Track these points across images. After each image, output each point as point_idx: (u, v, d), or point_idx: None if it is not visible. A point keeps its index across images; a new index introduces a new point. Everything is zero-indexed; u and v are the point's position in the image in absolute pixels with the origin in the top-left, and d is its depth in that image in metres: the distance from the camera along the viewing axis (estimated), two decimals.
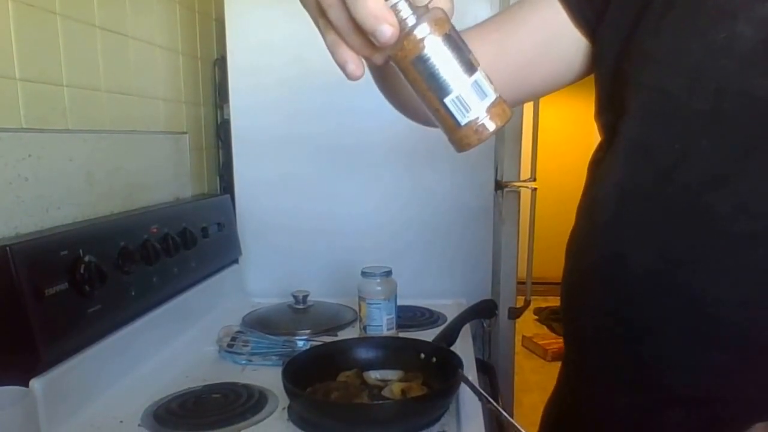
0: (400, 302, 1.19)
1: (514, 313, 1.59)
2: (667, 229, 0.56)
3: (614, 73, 0.62)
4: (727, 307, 0.54)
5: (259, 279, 1.52)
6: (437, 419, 0.84)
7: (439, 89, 0.41)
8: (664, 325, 0.57)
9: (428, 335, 1.10)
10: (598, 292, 0.63)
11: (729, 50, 0.53)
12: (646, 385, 0.59)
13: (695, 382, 0.56)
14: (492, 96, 0.42)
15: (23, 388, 0.76)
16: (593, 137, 0.70)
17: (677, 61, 0.55)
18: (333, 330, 1.23)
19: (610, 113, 0.64)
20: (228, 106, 1.48)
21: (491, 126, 0.41)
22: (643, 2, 0.58)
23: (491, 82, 0.42)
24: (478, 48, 0.62)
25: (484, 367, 1.25)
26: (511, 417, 0.76)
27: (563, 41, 0.65)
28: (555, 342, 3.61)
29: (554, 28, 0.65)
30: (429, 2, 0.40)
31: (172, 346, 1.13)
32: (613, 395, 0.63)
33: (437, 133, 0.45)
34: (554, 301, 4.39)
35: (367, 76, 0.47)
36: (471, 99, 0.41)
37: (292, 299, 1.33)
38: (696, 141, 0.55)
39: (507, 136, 1.50)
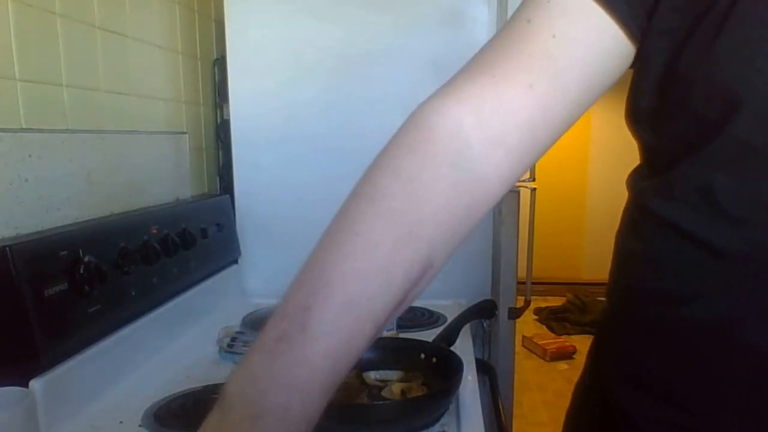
0: None
1: (514, 313, 1.59)
2: (728, 291, 0.49)
3: (660, 90, 0.51)
4: None
5: (258, 279, 1.52)
6: (437, 419, 0.84)
7: None
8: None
9: (428, 335, 1.10)
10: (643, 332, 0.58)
11: None
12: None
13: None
14: None
15: (23, 389, 0.76)
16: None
17: (743, 88, 0.44)
18: None
19: (650, 134, 0.55)
20: (228, 106, 1.48)
21: None
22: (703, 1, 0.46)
23: None
24: (526, 101, 0.50)
25: (484, 367, 1.25)
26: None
27: (613, 61, 0.53)
28: (554, 342, 3.62)
29: (605, 51, 0.52)
30: None
31: (172, 347, 1.13)
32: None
33: None
34: (554, 301, 4.41)
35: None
36: None
37: None
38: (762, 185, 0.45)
39: None
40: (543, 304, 4.29)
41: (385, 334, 1.14)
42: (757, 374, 0.50)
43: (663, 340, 0.56)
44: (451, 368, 0.89)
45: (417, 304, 1.38)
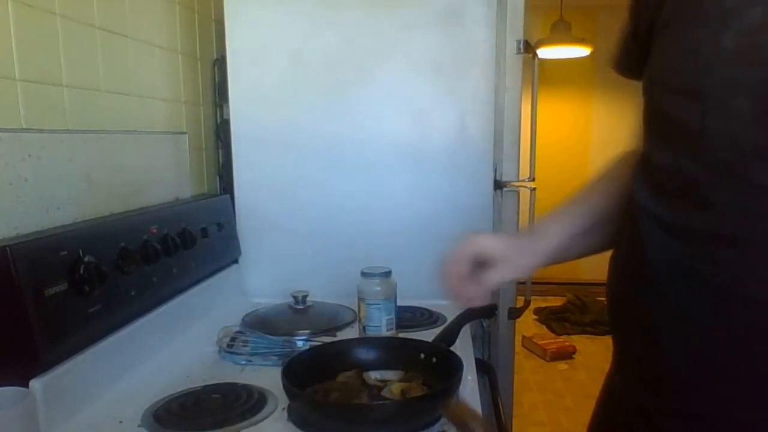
0: (400, 302, 1.19)
1: (514, 313, 1.59)
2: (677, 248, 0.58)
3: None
4: None
5: (258, 279, 1.52)
6: (437, 419, 0.84)
7: None
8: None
9: (428, 335, 1.10)
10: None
11: (713, 65, 0.54)
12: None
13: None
14: None
15: (23, 389, 0.76)
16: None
17: (669, 81, 0.57)
18: (332, 330, 1.23)
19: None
20: (227, 106, 1.48)
21: None
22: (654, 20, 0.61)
23: None
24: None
25: (484, 367, 1.25)
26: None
27: None
28: (554, 342, 3.61)
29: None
30: None
31: (172, 347, 1.13)
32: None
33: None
34: (554, 301, 4.40)
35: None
36: None
37: (291, 299, 1.33)
38: (687, 159, 0.56)
39: (506, 137, 1.49)
40: (543, 304, 4.29)
41: (385, 334, 1.14)
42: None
43: (641, 328, 0.63)
44: (451, 368, 0.89)
45: (417, 304, 1.38)
